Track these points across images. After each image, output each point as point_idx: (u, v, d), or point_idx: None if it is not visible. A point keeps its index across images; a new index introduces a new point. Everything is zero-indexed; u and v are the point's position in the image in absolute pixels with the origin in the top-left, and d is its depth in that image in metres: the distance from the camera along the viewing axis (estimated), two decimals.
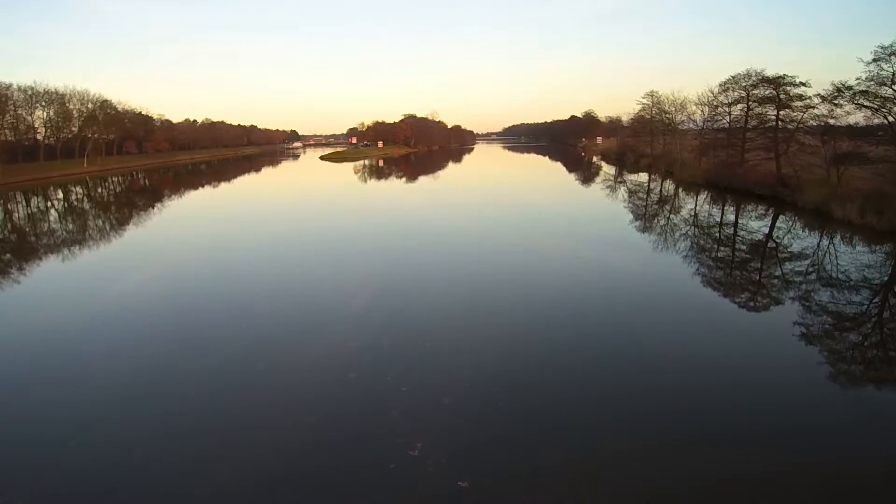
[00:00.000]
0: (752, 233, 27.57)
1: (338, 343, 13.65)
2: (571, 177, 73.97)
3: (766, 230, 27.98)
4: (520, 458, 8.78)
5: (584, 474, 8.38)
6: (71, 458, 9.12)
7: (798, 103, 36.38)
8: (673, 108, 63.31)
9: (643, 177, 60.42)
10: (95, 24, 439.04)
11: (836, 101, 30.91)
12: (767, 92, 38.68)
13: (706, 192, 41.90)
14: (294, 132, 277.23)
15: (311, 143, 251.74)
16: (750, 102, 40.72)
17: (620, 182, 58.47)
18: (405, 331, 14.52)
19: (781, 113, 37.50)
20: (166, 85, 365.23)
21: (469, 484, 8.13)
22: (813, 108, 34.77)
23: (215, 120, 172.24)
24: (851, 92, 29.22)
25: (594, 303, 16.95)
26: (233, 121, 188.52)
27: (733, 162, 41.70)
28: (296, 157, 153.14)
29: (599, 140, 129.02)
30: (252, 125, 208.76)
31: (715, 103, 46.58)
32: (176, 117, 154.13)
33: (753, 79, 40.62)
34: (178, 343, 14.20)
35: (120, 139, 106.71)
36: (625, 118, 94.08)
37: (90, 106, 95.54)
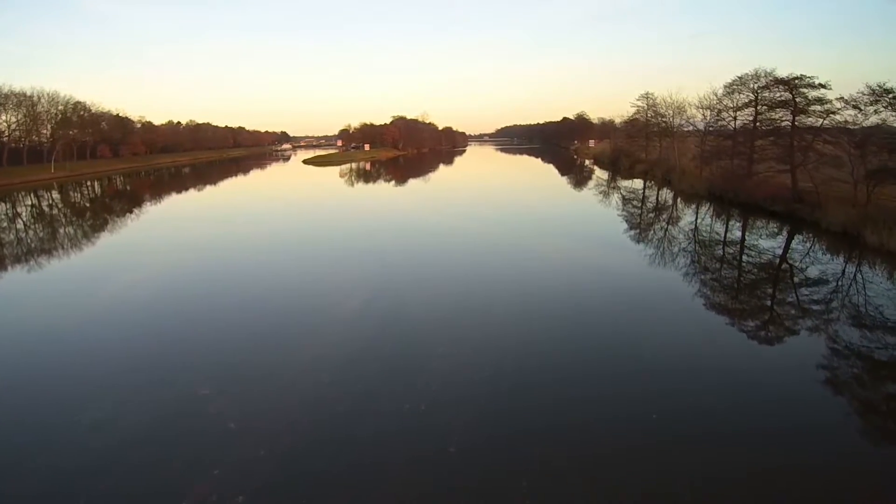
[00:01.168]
0: (763, 252, 24.01)
1: (336, 343, 13.68)
2: (564, 180, 71.69)
3: (781, 251, 24.03)
4: (520, 458, 8.73)
5: (584, 474, 8.34)
6: (66, 458, 9.03)
7: (817, 107, 31.37)
8: (670, 111, 58.71)
9: (638, 183, 56.50)
10: (93, 25, 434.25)
11: (865, 107, 26.32)
12: (780, 95, 33.92)
13: (709, 204, 37.89)
14: (284, 133, 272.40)
15: (302, 144, 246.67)
16: (759, 106, 35.99)
17: (615, 188, 54.81)
18: (404, 332, 14.55)
19: (797, 119, 32.66)
20: (160, 86, 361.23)
21: (469, 484, 8.13)
22: (835, 113, 29.89)
23: (203, 121, 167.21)
24: (892, 96, 24.86)
25: (593, 304, 16.96)
26: (224, 122, 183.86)
27: (741, 174, 37.11)
28: (286, 159, 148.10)
29: (592, 143, 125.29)
30: (240, 126, 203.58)
31: (719, 107, 41.28)
32: (167, 119, 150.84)
33: (763, 80, 35.75)
34: (174, 345, 14.07)
35: (94, 142, 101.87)
36: (618, 120, 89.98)
37: (61, 108, 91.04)
